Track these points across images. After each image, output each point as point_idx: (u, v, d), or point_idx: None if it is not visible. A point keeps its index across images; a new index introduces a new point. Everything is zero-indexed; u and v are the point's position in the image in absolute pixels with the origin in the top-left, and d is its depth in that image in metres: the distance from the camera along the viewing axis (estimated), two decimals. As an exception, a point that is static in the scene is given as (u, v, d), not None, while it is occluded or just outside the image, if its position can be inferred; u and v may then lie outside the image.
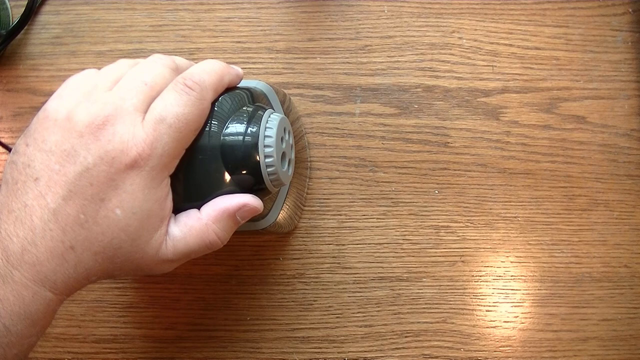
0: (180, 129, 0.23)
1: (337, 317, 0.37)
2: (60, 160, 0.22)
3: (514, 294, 0.37)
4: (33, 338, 0.23)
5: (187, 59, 0.27)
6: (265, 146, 0.25)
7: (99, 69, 0.25)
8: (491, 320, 0.37)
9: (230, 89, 0.27)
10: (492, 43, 0.39)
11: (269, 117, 0.26)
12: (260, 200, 0.26)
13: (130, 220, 0.22)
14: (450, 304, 0.37)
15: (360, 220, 0.38)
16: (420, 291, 0.37)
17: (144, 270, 0.24)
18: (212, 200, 0.25)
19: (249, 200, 0.25)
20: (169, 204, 0.24)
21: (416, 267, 0.37)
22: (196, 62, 0.27)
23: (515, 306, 0.37)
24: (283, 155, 0.28)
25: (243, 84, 0.29)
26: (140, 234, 0.23)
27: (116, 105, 0.22)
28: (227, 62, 0.28)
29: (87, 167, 0.22)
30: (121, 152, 0.22)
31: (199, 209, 0.25)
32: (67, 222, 0.21)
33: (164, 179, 0.23)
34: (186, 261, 0.25)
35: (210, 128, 0.25)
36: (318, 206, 0.38)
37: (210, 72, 0.25)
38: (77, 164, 0.22)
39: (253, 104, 0.27)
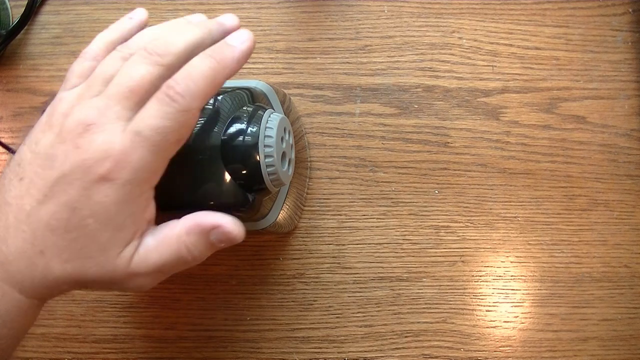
0: (158, 143, 0.21)
1: (337, 317, 0.37)
2: (42, 163, 0.22)
3: (514, 294, 0.37)
4: (8, 340, 0.22)
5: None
6: (265, 146, 0.25)
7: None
8: (491, 320, 0.37)
9: (230, 89, 0.27)
10: (492, 43, 0.39)
11: (269, 117, 0.26)
12: (241, 229, 0.24)
13: (100, 231, 0.22)
14: (450, 304, 0.37)
15: (360, 220, 0.38)
16: (420, 291, 0.37)
17: (117, 283, 0.23)
18: (196, 212, 0.24)
19: (226, 222, 0.23)
20: (146, 216, 0.23)
21: (416, 267, 0.37)
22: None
23: (515, 306, 0.37)
24: (283, 155, 0.28)
25: (243, 84, 0.29)
26: (109, 246, 0.22)
27: (100, 112, 0.22)
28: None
29: (63, 173, 0.21)
30: (96, 162, 0.21)
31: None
32: (38, 226, 0.21)
33: (142, 193, 0.22)
34: (162, 278, 0.24)
35: (210, 128, 0.25)
36: (318, 206, 0.38)
37: (199, 77, 0.22)
38: (55, 169, 0.21)
39: (253, 103, 0.27)
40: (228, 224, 0.23)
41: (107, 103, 0.22)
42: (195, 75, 0.22)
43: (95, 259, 0.22)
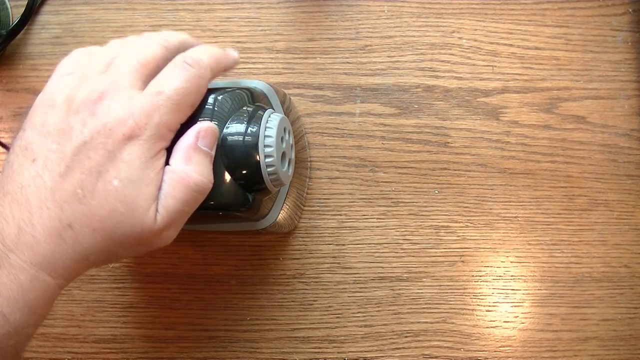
0: (178, 101, 0.23)
1: (337, 317, 0.37)
2: (57, 139, 0.22)
3: (514, 294, 0.37)
4: (31, 328, 0.22)
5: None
6: (265, 146, 0.25)
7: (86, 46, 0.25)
8: (491, 320, 0.37)
9: (230, 89, 0.27)
10: (492, 43, 0.39)
11: (269, 117, 0.26)
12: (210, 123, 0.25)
13: (127, 189, 0.22)
14: (450, 304, 0.37)
15: (360, 220, 0.38)
16: (420, 291, 0.37)
17: (145, 244, 0.23)
18: (174, 149, 0.24)
19: (200, 125, 0.24)
20: (162, 175, 0.23)
21: (416, 267, 0.37)
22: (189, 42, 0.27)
23: (515, 306, 0.37)
24: (283, 155, 0.28)
25: (243, 84, 0.29)
26: (138, 205, 0.22)
27: (111, 81, 0.23)
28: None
29: (84, 141, 0.22)
30: (118, 123, 0.22)
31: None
32: (64, 199, 0.21)
33: (160, 150, 0.23)
34: (185, 220, 0.24)
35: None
36: (318, 206, 0.38)
37: (208, 54, 0.25)
38: (74, 139, 0.22)
39: (253, 103, 0.27)
40: (202, 125, 0.24)
41: (118, 75, 0.23)
42: (205, 51, 0.25)
43: (124, 222, 0.22)
